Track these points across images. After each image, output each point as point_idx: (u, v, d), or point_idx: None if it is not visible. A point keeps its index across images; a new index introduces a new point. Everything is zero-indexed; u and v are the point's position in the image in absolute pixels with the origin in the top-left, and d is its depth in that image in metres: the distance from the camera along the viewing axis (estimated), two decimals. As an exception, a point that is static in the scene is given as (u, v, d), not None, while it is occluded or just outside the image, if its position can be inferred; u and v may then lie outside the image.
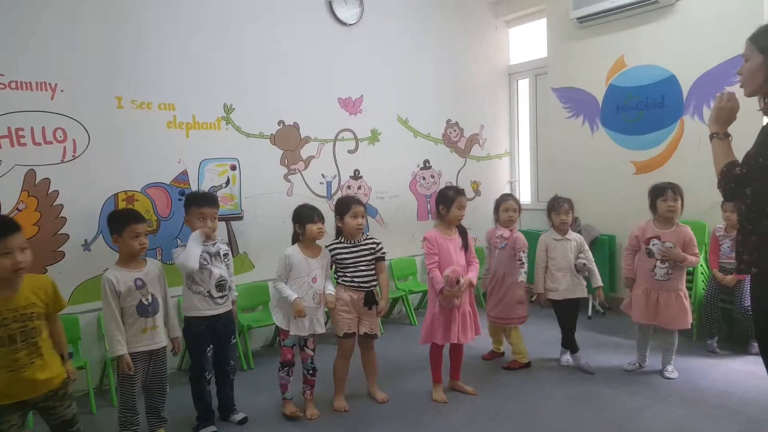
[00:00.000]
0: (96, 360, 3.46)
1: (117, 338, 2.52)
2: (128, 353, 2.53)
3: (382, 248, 3.13)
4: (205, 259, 2.78)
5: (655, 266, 3.28)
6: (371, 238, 3.14)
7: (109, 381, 3.37)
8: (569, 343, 3.61)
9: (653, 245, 3.29)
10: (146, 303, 2.60)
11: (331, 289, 3.00)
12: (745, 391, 3.11)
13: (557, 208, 3.57)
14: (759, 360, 1.71)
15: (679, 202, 3.25)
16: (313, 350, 3.03)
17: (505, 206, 3.56)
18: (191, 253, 2.72)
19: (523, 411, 3.00)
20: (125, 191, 3.60)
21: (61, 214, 3.37)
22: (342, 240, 3.08)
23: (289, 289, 2.89)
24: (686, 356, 3.69)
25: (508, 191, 5.89)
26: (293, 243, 3.04)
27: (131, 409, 2.60)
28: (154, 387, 2.70)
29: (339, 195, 4.64)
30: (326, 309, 3.01)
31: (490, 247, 3.67)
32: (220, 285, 2.83)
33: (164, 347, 2.70)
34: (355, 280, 3.02)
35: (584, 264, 3.50)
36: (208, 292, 2.79)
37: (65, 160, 3.37)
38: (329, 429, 2.88)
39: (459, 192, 3.16)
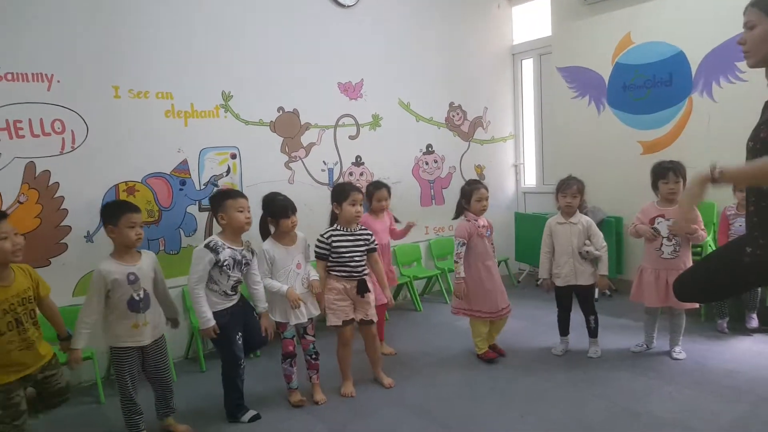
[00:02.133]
0: (103, 350, 3.45)
1: (80, 331, 2.50)
2: (115, 346, 2.56)
3: (374, 240, 3.12)
4: (229, 266, 2.73)
5: (662, 245, 3.23)
6: (364, 229, 3.11)
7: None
8: (562, 327, 3.55)
9: (658, 224, 3.24)
10: (137, 299, 2.55)
11: (314, 274, 2.99)
12: (754, 371, 3.07)
13: (565, 189, 3.43)
14: (767, 339, 1.67)
15: (681, 182, 3.20)
16: (314, 335, 3.04)
17: (479, 195, 3.38)
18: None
19: (529, 394, 2.98)
20: (126, 182, 3.58)
21: (63, 206, 3.36)
22: (338, 227, 3.05)
23: (277, 282, 2.88)
24: (695, 337, 3.65)
25: (512, 175, 5.85)
26: (262, 233, 3.00)
27: (130, 400, 2.60)
28: (157, 379, 2.70)
29: (341, 182, 4.61)
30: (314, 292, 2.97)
31: (471, 239, 3.39)
32: (235, 286, 2.82)
33: (158, 340, 2.67)
34: (349, 269, 3.00)
35: (588, 252, 3.37)
36: (224, 291, 2.77)
37: (64, 152, 3.35)
38: (336, 415, 2.88)
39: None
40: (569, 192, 3.42)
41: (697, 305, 3.33)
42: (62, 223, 3.37)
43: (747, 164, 1.51)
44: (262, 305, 2.90)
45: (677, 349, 3.37)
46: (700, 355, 3.36)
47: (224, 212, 2.75)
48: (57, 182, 3.33)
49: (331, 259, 3.03)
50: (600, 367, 3.29)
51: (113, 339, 2.57)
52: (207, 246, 2.69)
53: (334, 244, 3.00)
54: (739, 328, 3.72)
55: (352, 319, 3.05)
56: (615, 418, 2.66)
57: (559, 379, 3.17)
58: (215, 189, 3.75)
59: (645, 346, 3.50)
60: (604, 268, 3.40)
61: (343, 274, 3.01)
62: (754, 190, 1.62)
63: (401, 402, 2.98)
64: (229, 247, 2.74)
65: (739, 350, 3.42)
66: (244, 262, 2.82)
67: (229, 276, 2.74)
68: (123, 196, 3.55)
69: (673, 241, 3.21)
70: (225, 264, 2.70)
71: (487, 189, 3.45)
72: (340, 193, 3.04)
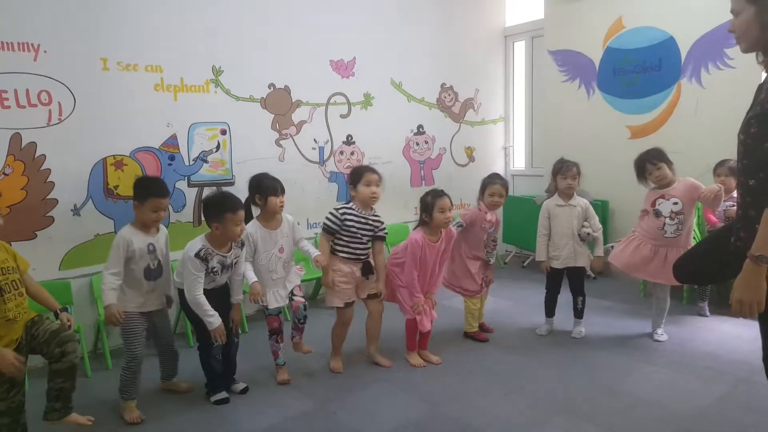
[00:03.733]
0: (90, 324, 3.47)
1: (106, 290, 2.55)
2: (125, 311, 2.61)
3: (384, 228, 3.08)
4: (217, 272, 2.71)
5: (664, 224, 3.24)
6: (377, 216, 3.08)
7: (103, 345, 3.39)
8: (548, 308, 3.61)
9: (660, 205, 3.25)
10: (153, 267, 2.69)
11: (314, 251, 2.96)
12: (733, 353, 3.16)
13: (565, 171, 3.43)
14: (747, 323, 1.73)
15: (664, 167, 3.24)
16: (303, 296, 3.03)
17: (492, 190, 3.39)
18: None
19: (514, 374, 3.04)
20: (114, 155, 3.53)
21: (49, 179, 3.32)
22: (355, 207, 3.01)
23: (251, 270, 2.84)
24: (676, 319, 3.74)
25: (502, 157, 5.87)
26: (246, 214, 2.82)
27: (135, 361, 2.67)
28: (164, 344, 2.86)
29: (332, 161, 4.60)
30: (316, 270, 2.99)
31: (472, 227, 3.41)
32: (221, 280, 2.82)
33: (163, 309, 2.83)
34: (353, 249, 2.99)
35: (588, 233, 3.40)
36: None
37: (51, 124, 3.30)
38: (324, 390, 2.92)
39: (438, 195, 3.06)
40: (569, 174, 3.44)
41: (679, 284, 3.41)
42: (49, 196, 3.32)
43: (760, 234, 1.49)
44: (236, 297, 2.86)
45: (659, 331, 3.45)
46: (680, 337, 3.45)
47: (220, 224, 2.63)
48: (43, 154, 3.28)
49: (338, 236, 2.99)
50: (583, 348, 3.36)
51: (123, 304, 2.62)
52: (198, 255, 2.62)
53: (346, 222, 2.96)
54: (719, 311, 3.82)
55: (353, 301, 3.06)
56: (596, 397, 2.73)
57: (543, 358, 3.24)
58: (214, 190, 3.41)
59: (664, 334, 3.44)
60: (600, 250, 3.46)
61: (350, 255, 2.99)
62: (742, 184, 1.65)
63: (388, 379, 3.03)
64: (218, 254, 2.69)
65: (719, 333, 3.51)
66: (232, 263, 2.79)
67: (214, 278, 2.73)
68: (111, 171, 3.51)
69: (676, 220, 3.22)
70: (213, 270, 2.70)
71: (504, 187, 3.43)
72: (355, 174, 3.02)
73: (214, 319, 2.65)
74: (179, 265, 2.76)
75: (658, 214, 3.28)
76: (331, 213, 3.01)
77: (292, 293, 3.01)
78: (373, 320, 3.17)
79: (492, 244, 3.53)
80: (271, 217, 2.93)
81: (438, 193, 3.08)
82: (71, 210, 3.40)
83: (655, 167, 3.25)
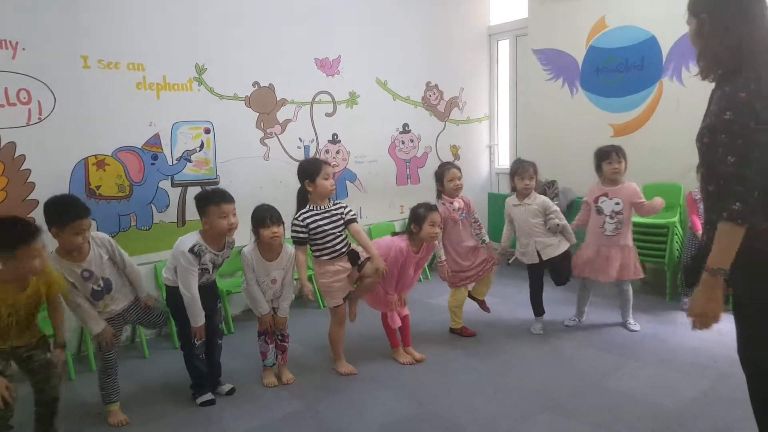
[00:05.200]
0: (73, 327, 3.41)
1: (88, 315, 2.52)
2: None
3: (350, 210, 3.02)
4: (208, 270, 2.71)
5: (604, 222, 3.42)
6: (337, 203, 3.02)
7: (87, 347, 3.34)
8: (535, 306, 3.64)
9: (602, 203, 3.43)
10: (98, 289, 2.55)
11: (308, 286, 2.90)
12: (716, 348, 3.20)
13: (522, 172, 3.47)
14: (729, 318, 1.75)
15: (623, 163, 3.40)
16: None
17: (450, 175, 3.39)
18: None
19: (500, 371, 3.06)
20: (95, 155, 3.48)
21: (30, 179, 3.25)
22: (313, 207, 2.94)
23: (262, 297, 2.87)
24: (660, 315, 3.80)
25: (487, 156, 5.90)
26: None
27: (108, 364, 2.65)
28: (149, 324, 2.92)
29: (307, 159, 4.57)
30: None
31: (445, 224, 3.36)
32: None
33: (134, 301, 2.73)
34: (336, 246, 2.95)
35: (557, 224, 3.43)
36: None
37: (30, 123, 3.23)
38: (311, 391, 2.91)
39: (431, 208, 3.07)
40: (526, 174, 3.47)
41: (642, 275, 3.56)
42: (29, 197, 3.26)
43: (716, 247, 1.54)
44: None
45: (631, 320, 3.59)
46: (665, 333, 3.50)
47: (206, 217, 2.65)
48: (23, 154, 3.21)
49: (312, 242, 2.93)
50: (569, 344, 3.40)
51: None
52: (191, 251, 2.61)
53: (311, 226, 2.89)
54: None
55: (348, 294, 3.04)
56: (583, 393, 2.76)
57: (529, 355, 3.27)
58: (204, 188, 3.48)
59: (577, 320, 3.69)
60: (572, 238, 3.50)
61: (333, 254, 2.93)
62: (703, 189, 1.70)
63: (374, 377, 3.03)
64: (209, 251, 2.68)
65: (700, 327, 3.56)
66: (223, 262, 2.80)
67: (203, 275, 2.71)
68: (93, 170, 3.46)
69: (615, 219, 3.40)
70: (204, 267, 2.69)
71: (458, 168, 3.47)
72: (313, 169, 2.90)
73: (200, 318, 2.65)
74: (169, 261, 2.74)
75: (599, 211, 3.44)
76: (294, 224, 2.90)
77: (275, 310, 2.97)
78: (370, 282, 3.01)
79: (476, 226, 3.54)
80: (267, 248, 2.84)
81: (431, 207, 3.09)
82: (52, 211, 3.34)
83: (618, 160, 3.39)
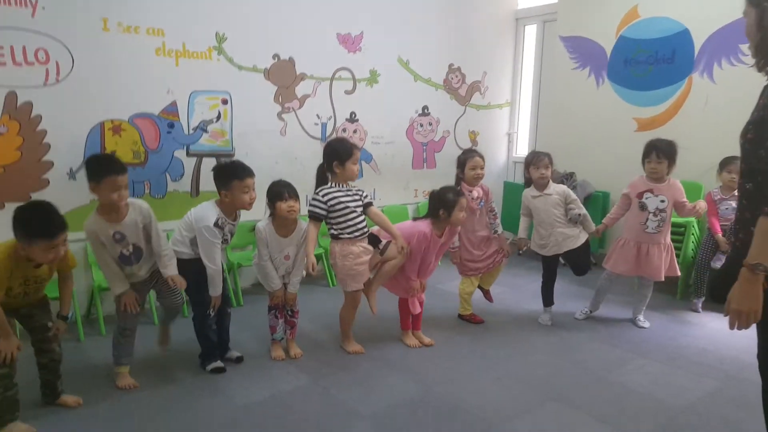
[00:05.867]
0: (83, 289, 3.44)
1: (112, 274, 2.55)
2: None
3: (367, 195, 3.01)
4: (227, 241, 2.76)
5: (647, 219, 3.31)
6: (354, 186, 2.99)
7: (97, 311, 3.37)
8: (546, 297, 3.60)
9: (646, 199, 3.31)
10: (127, 254, 2.55)
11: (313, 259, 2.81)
12: (724, 350, 3.17)
13: (537, 161, 3.42)
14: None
15: (665, 163, 3.25)
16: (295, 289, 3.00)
17: (473, 164, 3.34)
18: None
19: (507, 359, 3.05)
20: (112, 120, 3.46)
21: (45, 140, 3.25)
22: (334, 185, 2.91)
23: (274, 272, 2.86)
24: (669, 313, 3.76)
25: (505, 144, 5.82)
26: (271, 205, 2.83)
27: (121, 330, 2.67)
28: (167, 305, 2.82)
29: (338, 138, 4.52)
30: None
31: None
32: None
33: (156, 271, 2.69)
34: (357, 224, 2.90)
35: (579, 214, 3.39)
36: None
37: (48, 83, 3.21)
38: (319, 366, 2.91)
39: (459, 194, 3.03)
40: (541, 164, 3.41)
41: (678, 273, 3.45)
42: (44, 158, 3.26)
43: (756, 242, 1.48)
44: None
45: (641, 317, 3.56)
46: (673, 332, 3.46)
47: (229, 191, 2.63)
48: (39, 115, 3.20)
49: (333, 220, 2.89)
50: (577, 337, 3.37)
51: None
52: (216, 224, 2.63)
53: (331, 202, 2.84)
54: (712, 307, 3.82)
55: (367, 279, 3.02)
56: (588, 386, 2.74)
57: (537, 346, 3.24)
58: (222, 160, 3.42)
59: (588, 311, 3.65)
60: (591, 226, 3.45)
61: (355, 232, 2.88)
62: (740, 186, 1.65)
63: (381, 358, 3.02)
64: (228, 222, 2.71)
65: (711, 329, 3.52)
66: (234, 232, 2.83)
67: (222, 245, 2.73)
68: (108, 135, 3.45)
69: (659, 217, 3.29)
70: (224, 238, 2.71)
71: (482, 158, 3.41)
72: (345, 151, 2.86)
73: (220, 288, 2.70)
74: (177, 232, 2.73)
75: (643, 207, 3.33)
76: (314, 199, 2.87)
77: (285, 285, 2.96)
78: (393, 264, 2.98)
79: (491, 216, 3.50)
80: (282, 223, 2.82)
81: (459, 192, 3.06)
82: (67, 173, 3.34)
83: (657, 160, 3.26)
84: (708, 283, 3.81)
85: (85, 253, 3.45)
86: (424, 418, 2.43)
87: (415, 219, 3.21)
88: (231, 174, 2.63)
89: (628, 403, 2.58)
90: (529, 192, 3.51)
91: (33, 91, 3.16)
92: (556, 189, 3.45)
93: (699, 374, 2.88)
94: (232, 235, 2.80)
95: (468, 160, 3.38)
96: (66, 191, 3.33)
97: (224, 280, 2.91)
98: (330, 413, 2.46)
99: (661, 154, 3.24)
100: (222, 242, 2.70)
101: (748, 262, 1.48)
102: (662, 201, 3.28)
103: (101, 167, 2.43)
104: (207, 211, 2.64)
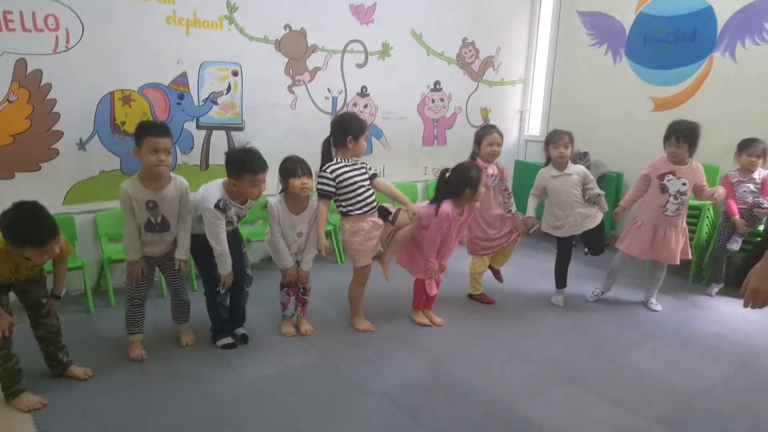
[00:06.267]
0: (93, 261, 3.44)
1: (126, 246, 2.58)
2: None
3: (370, 167, 2.97)
4: (232, 222, 2.72)
5: (667, 202, 3.25)
6: (358, 160, 2.95)
7: (106, 282, 3.36)
8: (559, 278, 3.58)
9: (668, 181, 3.24)
10: (154, 223, 2.57)
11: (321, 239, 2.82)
12: (738, 335, 3.15)
13: (557, 140, 3.34)
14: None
15: (685, 147, 3.17)
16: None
17: (490, 140, 3.27)
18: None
19: (518, 340, 3.04)
20: (122, 90, 3.40)
21: (55, 110, 3.20)
22: (341, 160, 2.86)
23: (287, 250, 2.83)
24: (681, 297, 3.73)
25: (517, 121, 5.72)
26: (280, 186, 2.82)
27: (131, 302, 2.69)
28: (171, 288, 2.81)
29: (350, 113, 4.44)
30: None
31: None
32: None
33: (170, 253, 2.69)
34: (366, 199, 2.87)
35: (598, 194, 3.33)
36: None
37: (58, 51, 3.15)
38: (330, 343, 2.91)
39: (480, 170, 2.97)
40: (561, 142, 3.34)
41: (689, 256, 3.41)
42: (54, 128, 3.21)
43: None
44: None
45: (653, 300, 3.54)
46: (687, 315, 3.44)
47: (239, 182, 2.57)
48: (49, 83, 3.14)
49: (342, 197, 2.85)
50: (588, 318, 3.35)
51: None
52: (217, 206, 2.58)
53: (340, 178, 2.80)
54: (725, 292, 3.79)
55: (377, 253, 2.99)
56: (600, 368, 2.73)
57: (548, 326, 3.23)
58: (235, 147, 3.31)
59: (600, 292, 3.63)
60: (605, 206, 3.39)
61: (365, 207, 2.85)
62: None
63: (392, 335, 3.02)
64: (234, 205, 2.67)
65: (723, 313, 3.49)
66: (245, 214, 2.80)
67: (227, 227, 2.68)
68: (118, 105, 3.39)
69: (679, 200, 3.23)
70: (229, 220, 2.68)
71: (501, 134, 3.34)
72: (359, 127, 2.84)
73: (229, 266, 2.66)
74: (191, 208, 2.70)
75: (664, 189, 3.27)
76: (321, 177, 2.81)
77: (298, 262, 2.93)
78: (405, 232, 2.97)
79: (505, 194, 3.45)
80: (294, 200, 2.79)
81: (479, 168, 2.99)
82: (77, 144, 3.30)
83: (677, 144, 3.18)
84: (727, 269, 3.77)
85: (94, 225, 3.43)
86: (434, 396, 2.43)
87: (431, 201, 3.14)
88: (244, 167, 2.54)
89: (642, 385, 2.57)
90: (548, 171, 3.44)
91: (42, 58, 3.10)
92: (576, 169, 3.39)
93: (713, 359, 2.87)
94: (239, 218, 2.75)
95: (486, 135, 3.31)
96: (75, 162, 3.30)
97: (243, 257, 2.90)
98: (340, 390, 2.47)
99: (680, 138, 3.16)
100: (227, 223, 2.65)
101: None
102: (684, 184, 3.21)
103: (141, 129, 2.50)
104: (210, 192, 2.61)
